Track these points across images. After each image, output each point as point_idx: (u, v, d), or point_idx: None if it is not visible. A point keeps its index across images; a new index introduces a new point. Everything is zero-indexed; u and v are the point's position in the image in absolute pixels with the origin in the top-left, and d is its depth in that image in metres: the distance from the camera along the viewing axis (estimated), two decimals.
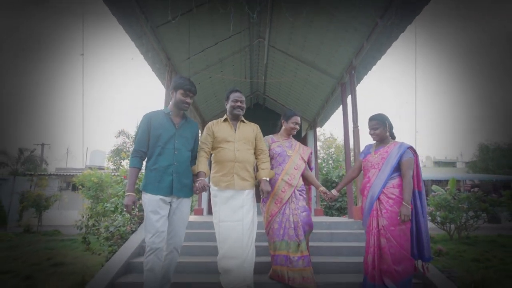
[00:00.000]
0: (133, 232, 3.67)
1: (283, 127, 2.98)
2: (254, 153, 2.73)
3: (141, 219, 3.73)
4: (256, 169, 2.76)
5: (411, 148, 2.58)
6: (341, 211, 9.20)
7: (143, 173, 2.40)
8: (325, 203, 8.99)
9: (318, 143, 9.81)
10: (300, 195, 2.81)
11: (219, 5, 3.83)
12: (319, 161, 10.20)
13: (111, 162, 15.32)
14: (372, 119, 2.70)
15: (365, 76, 5.34)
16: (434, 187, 8.86)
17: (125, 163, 13.17)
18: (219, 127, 2.68)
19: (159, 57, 4.80)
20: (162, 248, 2.25)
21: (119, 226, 3.69)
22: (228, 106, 2.73)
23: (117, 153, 15.86)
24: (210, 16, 4.45)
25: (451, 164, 30.68)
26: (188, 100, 2.45)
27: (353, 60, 4.98)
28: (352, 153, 5.89)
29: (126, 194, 2.30)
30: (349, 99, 5.31)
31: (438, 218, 7.31)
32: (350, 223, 4.22)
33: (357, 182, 4.78)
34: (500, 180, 16.21)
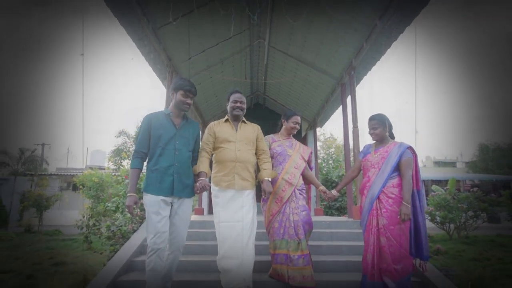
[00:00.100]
0: (134, 231, 3.71)
1: (284, 127, 3.01)
2: (255, 153, 2.75)
3: (142, 219, 3.76)
4: (258, 169, 2.79)
5: (410, 148, 2.61)
6: (341, 211, 9.22)
7: (145, 173, 2.43)
8: (325, 202, 9.02)
9: (318, 143, 9.83)
10: (300, 194, 2.83)
11: (219, 7, 3.85)
12: (319, 161, 10.22)
13: (112, 162, 15.35)
14: (372, 119, 2.73)
15: (365, 77, 5.38)
16: (434, 187, 8.89)
17: (126, 163, 13.21)
18: (220, 127, 2.71)
19: (160, 58, 4.83)
20: (164, 248, 2.27)
21: (121, 226, 3.72)
22: (228, 107, 2.75)
23: (118, 153, 15.88)
24: (211, 17, 4.48)
25: (451, 164, 30.69)
26: (189, 101, 2.47)
27: (352, 61, 5.00)
28: (352, 153, 5.92)
29: (128, 195, 2.32)
30: (349, 99, 5.33)
31: (438, 218, 7.34)
32: (350, 223, 4.26)
33: (356, 182, 4.80)
34: (500, 180, 16.24)
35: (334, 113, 7.56)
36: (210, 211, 7.47)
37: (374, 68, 5.12)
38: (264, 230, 2.89)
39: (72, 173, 15.07)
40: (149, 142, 2.37)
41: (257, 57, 6.71)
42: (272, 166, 2.84)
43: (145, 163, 2.44)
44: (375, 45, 4.48)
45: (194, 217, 5.47)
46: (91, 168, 10.71)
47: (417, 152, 2.64)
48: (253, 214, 2.62)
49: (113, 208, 4.55)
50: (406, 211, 2.41)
